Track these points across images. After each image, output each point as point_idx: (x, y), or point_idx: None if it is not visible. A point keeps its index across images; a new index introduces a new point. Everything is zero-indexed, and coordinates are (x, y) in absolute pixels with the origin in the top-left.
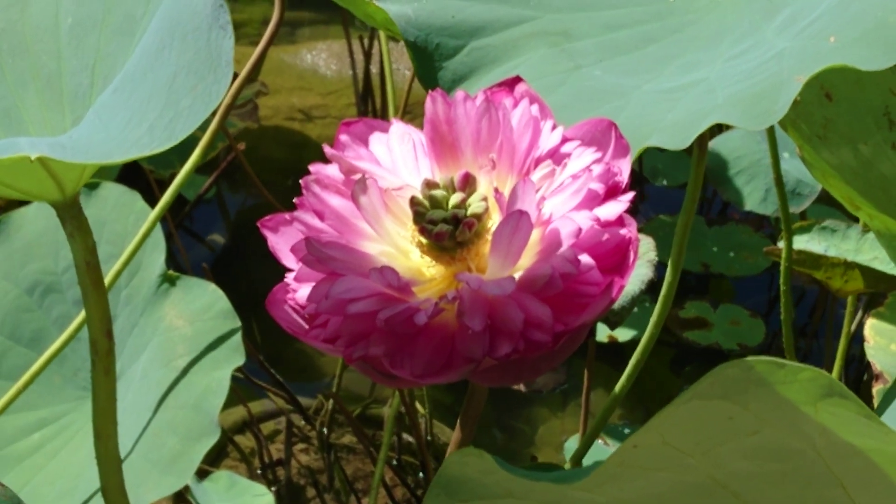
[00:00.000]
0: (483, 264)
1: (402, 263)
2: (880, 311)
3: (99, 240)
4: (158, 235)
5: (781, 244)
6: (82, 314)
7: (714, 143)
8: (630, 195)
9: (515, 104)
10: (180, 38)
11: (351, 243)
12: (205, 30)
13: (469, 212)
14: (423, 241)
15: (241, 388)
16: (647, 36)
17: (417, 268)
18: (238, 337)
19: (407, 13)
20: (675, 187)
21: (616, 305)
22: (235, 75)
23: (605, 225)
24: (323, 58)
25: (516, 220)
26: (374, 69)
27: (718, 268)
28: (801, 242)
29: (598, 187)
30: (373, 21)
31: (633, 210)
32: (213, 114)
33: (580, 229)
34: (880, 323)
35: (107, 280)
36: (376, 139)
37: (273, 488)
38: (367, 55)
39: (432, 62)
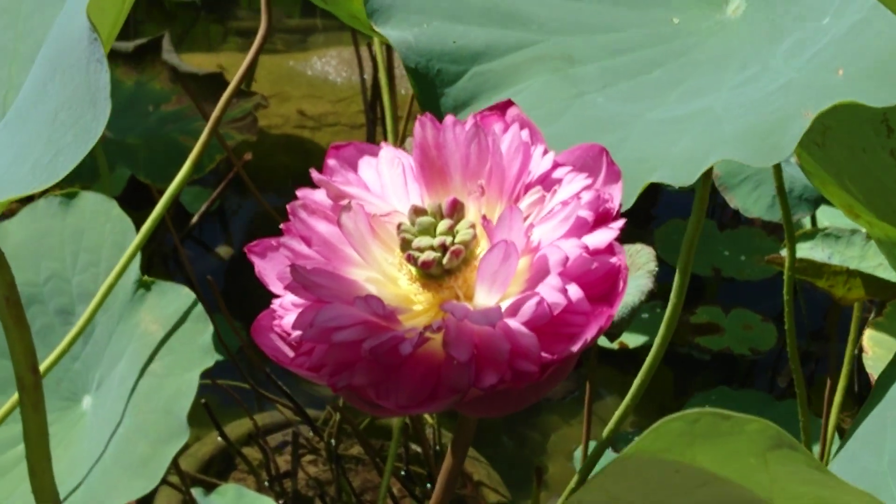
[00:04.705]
0: (471, 292)
1: (389, 290)
2: (879, 321)
3: (77, 249)
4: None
5: (784, 252)
6: (73, 327)
7: None
8: (621, 222)
9: (506, 129)
10: (61, 72)
11: (338, 270)
12: (83, 64)
13: (457, 239)
14: (411, 268)
15: (250, 399)
16: (651, 60)
17: (405, 295)
18: (208, 339)
19: (408, 39)
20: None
21: (616, 316)
22: (238, 89)
23: (595, 253)
24: (333, 65)
25: (503, 250)
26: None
27: (729, 272)
28: (805, 250)
29: (588, 215)
30: (357, 23)
31: (645, 215)
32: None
33: (567, 258)
34: (879, 333)
35: (98, 296)
36: (366, 163)
37: (281, 501)
38: (376, 62)
39: (434, 88)
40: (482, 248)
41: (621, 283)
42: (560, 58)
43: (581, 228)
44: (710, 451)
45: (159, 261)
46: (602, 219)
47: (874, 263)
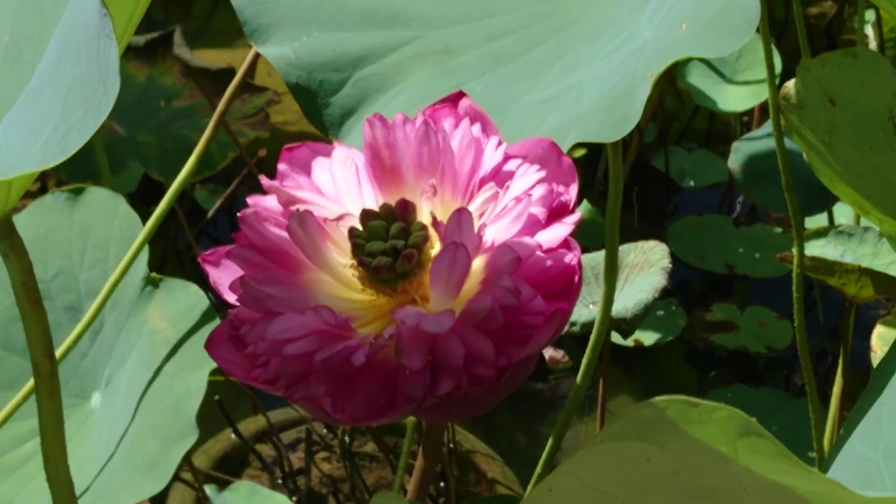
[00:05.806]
0: (427, 294)
1: (344, 296)
2: (888, 320)
3: (85, 245)
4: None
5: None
6: (79, 324)
7: (739, 144)
8: (576, 216)
9: (457, 124)
10: (74, 49)
11: (291, 278)
12: (94, 40)
13: (409, 242)
14: (366, 272)
15: (263, 396)
16: (530, 40)
17: (360, 300)
18: None
19: (287, 55)
20: (702, 188)
21: (629, 314)
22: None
23: (549, 250)
24: None
25: (452, 253)
26: None
27: (743, 269)
28: (817, 247)
29: (540, 211)
30: None
31: (661, 212)
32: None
33: (520, 258)
34: (888, 331)
35: (103, 292)
36: (319, 165)
37: (294, 498)
38: None
39: (316, 100)
40: (437, 249)
41: (577, 279)
42: (440, 51)
43: (534, 226)
44: (680, 438)
45: (172, 257)
46: (558, 212)
47: (887, 261)
